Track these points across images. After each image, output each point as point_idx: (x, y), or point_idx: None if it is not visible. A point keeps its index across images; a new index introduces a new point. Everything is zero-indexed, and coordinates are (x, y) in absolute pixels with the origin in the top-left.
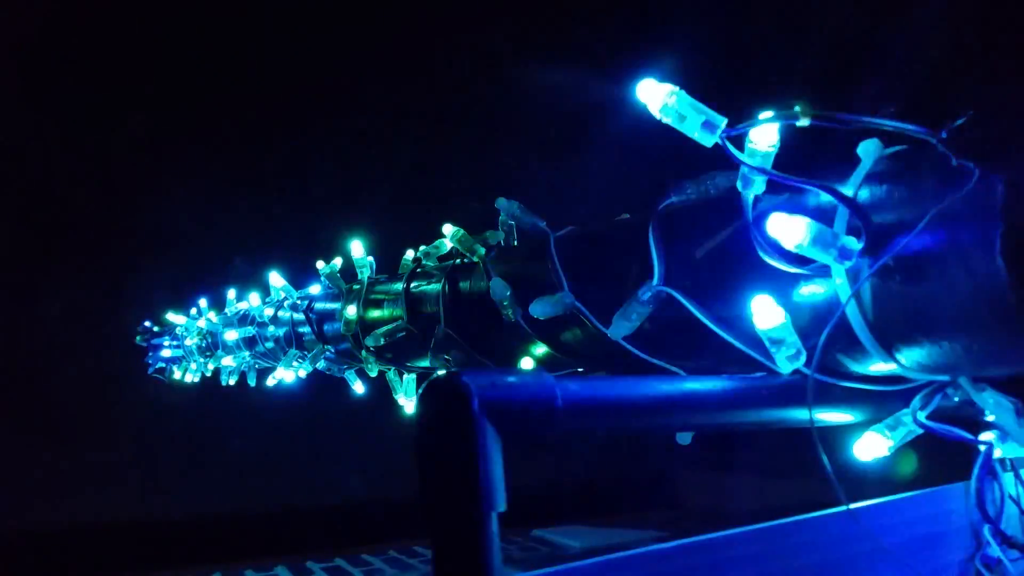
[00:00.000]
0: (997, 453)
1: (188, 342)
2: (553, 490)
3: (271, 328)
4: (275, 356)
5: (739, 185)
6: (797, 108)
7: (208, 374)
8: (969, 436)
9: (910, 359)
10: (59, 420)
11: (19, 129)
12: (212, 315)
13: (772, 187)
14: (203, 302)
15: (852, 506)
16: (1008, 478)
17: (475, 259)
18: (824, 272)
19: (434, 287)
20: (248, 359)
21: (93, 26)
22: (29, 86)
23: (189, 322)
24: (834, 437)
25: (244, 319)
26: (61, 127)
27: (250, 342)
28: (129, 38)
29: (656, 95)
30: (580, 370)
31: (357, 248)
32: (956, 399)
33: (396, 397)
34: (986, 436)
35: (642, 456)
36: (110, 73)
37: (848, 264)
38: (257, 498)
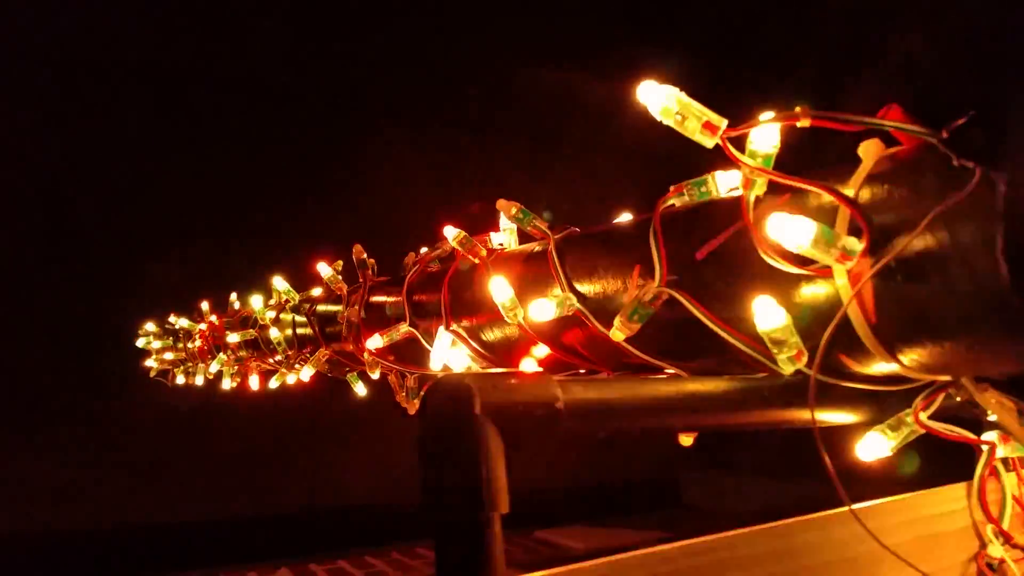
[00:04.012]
0: (999, 453)
1: (190, 344)
2: (556, 491)
3: (273, 330)
4: (277, 358)
5: (740, 186)
6: (798, 108)
7: (210, 376)
8: (971, 436)
9: (912, 359)
10: (61, 423)
11: (20, 129)
12: (214, 317)
13: (773, 188)
14: (205, 304)
15: (854, 506)
16: (1010, 478)
17: (476, 261)
18: (825, 273)
19: (435, 289)
20: (250, 362)
21: (94, 26)
22: (30, 86)
23: (191, 324)
24: (836, 437)
25: (246, 321)
26: (62, 127)
27: (252, 344)
28: (131, 37)
29: (656, 97)
30: (581, 371)
31: (358, 250)
32: (958, 399)
33: (398, 399)
34: (988, 436)
35: (644, 457)
36: (111, 73)
37: (849, 264)
38: (259, 501)
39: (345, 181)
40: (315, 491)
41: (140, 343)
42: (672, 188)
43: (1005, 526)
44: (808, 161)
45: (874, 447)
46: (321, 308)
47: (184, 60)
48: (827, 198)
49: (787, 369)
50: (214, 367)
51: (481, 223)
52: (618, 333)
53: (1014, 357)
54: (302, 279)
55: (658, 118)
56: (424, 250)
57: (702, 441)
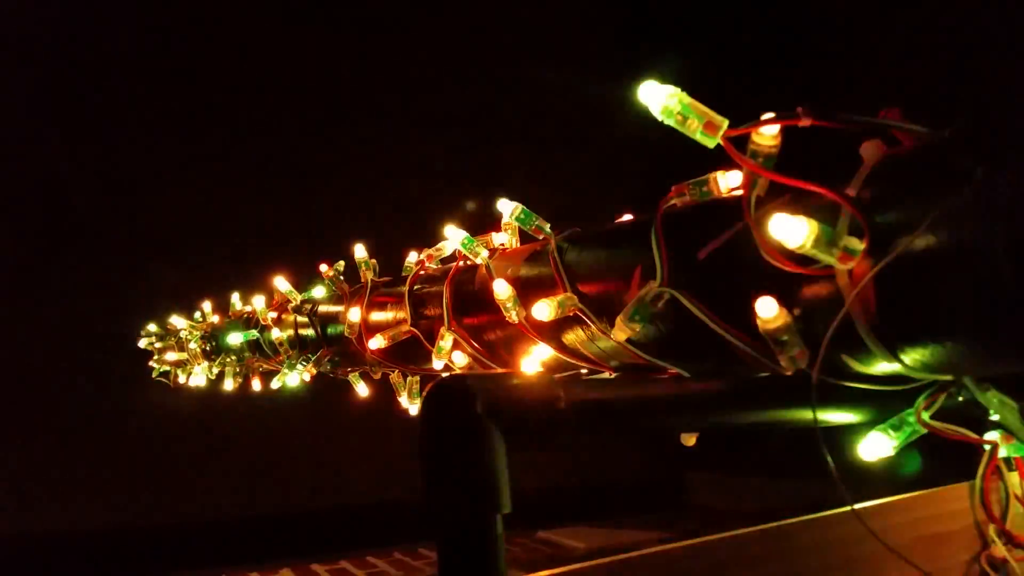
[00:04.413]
0: (1002, 453)
1: (192, 345)
2: (558, 491)
3: (275, 331)
4: (279, 359)
5: (741, 186)
6: (799, 109)
7: (212, 377)
8: (974, 436)
9: (913, 359)
10: (62, 424)
11: (22, 130)
12: (216, 318)
13: (774, 188)
14: (207, 305)
15: (857, 506)
16: (1013, 477)
17: (478, 261)
18: (827, 273)
19: (437, 289)
20: (252, 362)
21: (95, 26)
22: (31, 86)
23: (193, 325)
24: (838, 438)
25: (248, 322)
26: (64, 128)
27: (254, 345)
28: (132, 38)
29: (658, 97)
30: (583, 372)
31: (360, 250)
32: (960, 399)
33: (400, 399)
34: (991, 436)
35: (647, 457)
36: (113, 73)
37: (851, 264)
38: (261, 501)
39: (347, 181)
40: (317, 491)
41: (142, 344)
42: (673, 188)
43: (1008, 526)
44: (809, 161)
45: (876, 447)
46: (323, 308)
47: (185, 60)
48: (828, 198)
49: (788, 369)
50: (216, 368)
51: (482, 223)
52: (619, 333)
53: (1015, 356)
54: (304, 279)
55: (659, 118)
56: (426, 250)
57: (704, 441)
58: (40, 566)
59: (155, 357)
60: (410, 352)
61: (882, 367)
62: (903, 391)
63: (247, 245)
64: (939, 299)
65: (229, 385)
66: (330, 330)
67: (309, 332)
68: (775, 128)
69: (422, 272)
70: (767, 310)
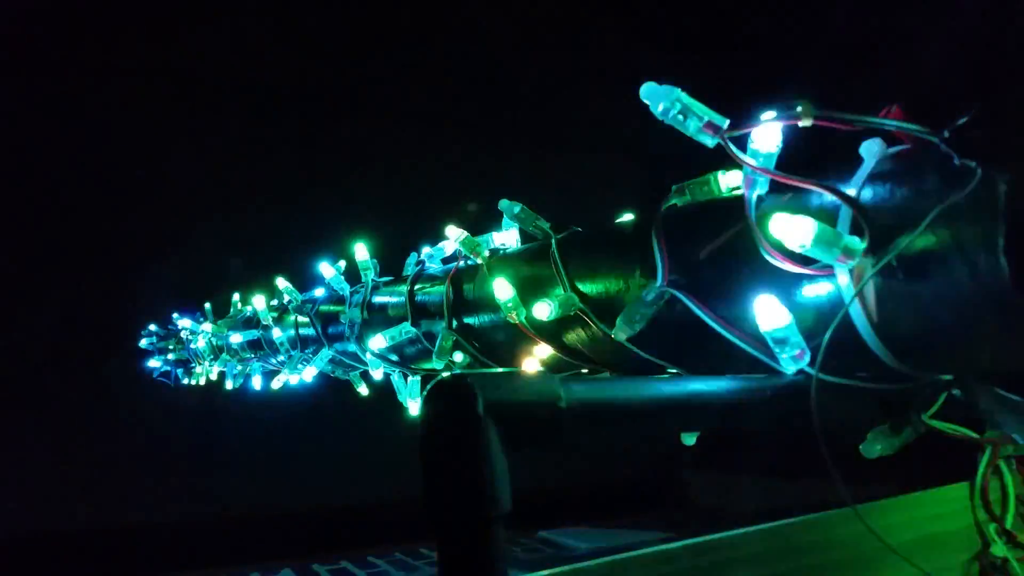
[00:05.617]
0: (1002, 452)
1: (193, 346)
2: (558, 491)
3: (276, 331)
4: (279, 359)
5: (742, 185)
6: (799, 108)
7: (213, 377)
8: (974, 435)
9: (914, 358)
10: (64, 425)
11: (22, 132)
12: (217, 319)
13: (775, 187)
14: (208, 305)
15: (857, 506)
16: (1013, 477)
17: (478, 261)
18: (827, 272)
19: (438, 289)
20: (253, 362)
21: (95, 26)
22: (30, 87)
23: (194, 325)
24: (839, 437)
25: (249, 322)
26: (64, 129)
27: (255, 345)
28: (132, 38)
29: (658, 96)
30: (584, 371)
31: (361, 251)
32: (961, 397)
33: (400, 399)
34: (991, 435)
35: (647, 457)
36: (113, 75)
37: (851, 264)
38: (262, 501)
39: (347, 182)
40: (317, 491)
41: (143, 344)
42: (674, 188)
43: (1008, 525)
44: (810, 160)
45: (877, 446)
46: (323, 308)
47: (185, 60)
48: (829, 197)
49: (789, 368)
50: (217, 368)
51: (483, 223)
52: (620, 333)
53: (1016, 355)
54: (305, 279)
55: (660, 118)
56: (426, 250)
57: (705, 441)
58: (41, 566)
59: (156, 356)
60: (411, 352)
61: (882, 366)
62: (904, 390)
63: (247, 245)
64: (939, 298)
65: (229, 385)
66: (331, 330)
67: (310, 332)
68: (776, 127)
69: (423, 272)
70: (768, 310)
